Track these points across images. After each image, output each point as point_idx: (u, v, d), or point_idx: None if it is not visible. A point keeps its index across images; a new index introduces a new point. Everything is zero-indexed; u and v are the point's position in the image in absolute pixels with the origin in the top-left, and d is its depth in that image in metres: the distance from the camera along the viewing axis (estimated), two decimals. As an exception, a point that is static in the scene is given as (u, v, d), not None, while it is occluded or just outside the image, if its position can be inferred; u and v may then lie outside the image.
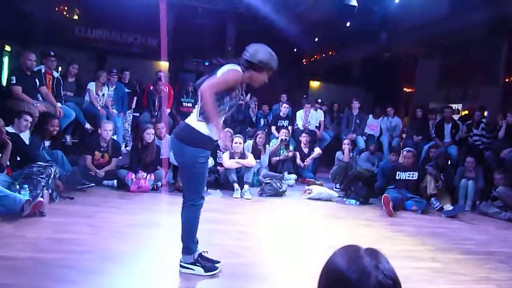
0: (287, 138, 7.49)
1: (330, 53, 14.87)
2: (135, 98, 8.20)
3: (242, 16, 11.39)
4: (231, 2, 10.86)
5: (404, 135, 8.85)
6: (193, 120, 2.79)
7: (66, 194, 4.75)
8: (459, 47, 10.57)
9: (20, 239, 3.25)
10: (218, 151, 6.45)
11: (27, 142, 4.91)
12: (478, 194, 6.53)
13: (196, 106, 2.86)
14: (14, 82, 5.53)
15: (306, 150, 7.64)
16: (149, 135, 5.73)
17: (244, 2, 10.56)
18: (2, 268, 2.55)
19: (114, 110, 7.33)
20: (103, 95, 7.12)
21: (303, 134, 7.78)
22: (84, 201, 4.71)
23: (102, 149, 5.71)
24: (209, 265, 2.91)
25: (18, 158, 4.57)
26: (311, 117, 8.69)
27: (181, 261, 2.90)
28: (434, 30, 10.16)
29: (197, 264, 2.88)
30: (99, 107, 6.89)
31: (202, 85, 2.69)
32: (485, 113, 8.72)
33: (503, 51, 9.74)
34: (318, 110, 9.07)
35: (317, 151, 7.69)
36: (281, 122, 8.37)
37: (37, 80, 5.82)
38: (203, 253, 2.95)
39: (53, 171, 4.40)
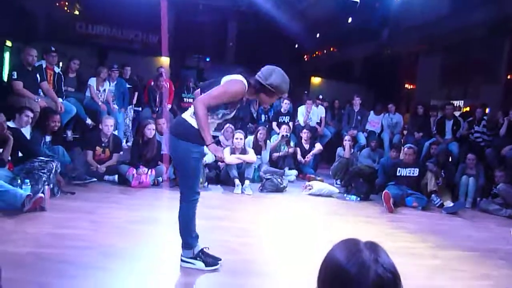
0: (288, 134, 7.49)
1: (331, 49, 14.84)
2: (136, 93, 8.20)
3: (244, 13, 11.37)
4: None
5: (405, 132, 8.84)
6: (188, 116, 2.80)
7: (67, 189, 4.76)
8: (460, 45, 10.54)
9: (21, 235, 3.25)
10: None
11: (28, 137, 4.91)
12: (479, 191, 6.53)
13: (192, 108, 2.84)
14: (15, 77, 5.53)
15: (307, 146, 7.64)
16: (150, 130, 5.73)
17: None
18: (3, 263, 2.53)
19: (115, 106, 7.34)
20: (104, 90, 7.12)
21: (304, 130, 7.78)
22: (85, 196, 4.72)
23: (103, 145, 5.72)
24: (210, 260, 2.91)
25: (20, 154, 4.58)
26: (312, 113, 8.69)
27: (182, 256, 2.91)
28: (435, 29, 10.13)
29: (198, 258, 2.89)
30: (100, 103, 6.89)
31: (196, 100, 2.69)
32: (487, 111, 8.70)
33: (504, 50, 9.71)
34: (319, 106, 9.06)
35: (318, 147, 7.69)
36: (282, 118, 8.36)
37: (38, 76, 5.82)
38: (204, 249, 2.95)
39: (54, 166, 4.41)
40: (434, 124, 8.15)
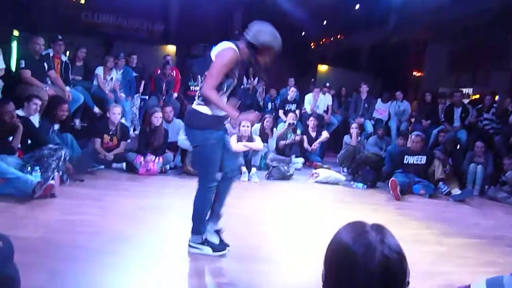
0: (295, 122, 7.48)
1: (338, 37, 14.68)
2: (143, 82, 8.21)
3: (250, 0, 11.26)
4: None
5: (412, 120, 8.78)
6: (196, 105, 2.82)
7: (76, 176, 4.82)
8: (469, 31, 10.36)
9: (32, 220, 3.32)
10: (225, 135, 6.46)
11: (37, 125, 4.96)
12: (487, 179, 6.50)
13: (198, 91, 2.86)
14: (23, 66, 5.57)
15: (313, 134, 7.63)
16: (157, 118, 5.76)
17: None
18: (15, 248, 2.60)
19: (122, 94, 7.37)
20: (111, 79, 7.14)
21: (311, 118, 7.76)
22: (93, 183, 4.78)
23: (111, 133, 5.76)
24: (218, 245, 2.95)
25: (29, 141, 4.63)
26: (319, 101, 8.66)
27: (190, 241, 2.94)
28: (443, 14, 9.95)
29: (205, 244, 2.93)
30: (107, 91, 6.92)
31: (202, 89, 2.69)
32: (496, 98, 8.61)
33: (514, 36, 9.54)
34: (326, 94, 9.02)
35: (325, 135, 7.68)
36: (288, 106, 8.35)
37: (45, 64, 5.85)
38: (220, 231, 2.99)
39: (63, 154, 4.46)
40: (442, 111, 8.08)
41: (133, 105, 7.87)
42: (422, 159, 6.15)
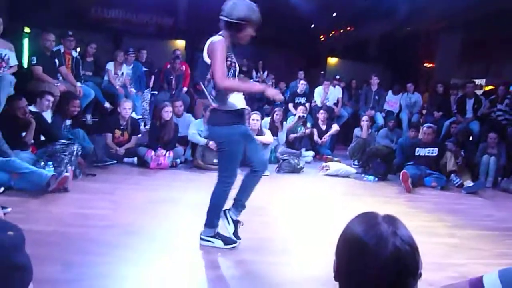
0: (305, 115, 7.45)
1: (348, 29, 14.53)
2: (153, 77, 8.24)
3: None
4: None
5: (424, 111, 8.68)
6: (213, 105, 2.83)
7: (88, 171, 4.88)
8: (482, 20, 10.17)
9: (46, 214, 3.37)
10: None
11: (49, 121, 5.03)
12: (500, 171, 6.41)
13: (208, 97, 2.84)
14: (35, 62, 5.62)
15: (323, 127, 7.60)
16: (167, 113, 5.78)
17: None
18: (29, 241, 2.63)
19: (132, 89, 7.40)
20: (122, 74, 7.19)
21: (321, 111, 7.72)
22: (105, 178, 4.83)
23: (121, 128, 5.80)
24: (229, 239, 2.97)
25: (42, 137, 4.69)
26: (329, 94, 8.61)
27: (201, 234, 2.96)
28: (455, 3, 9.79)
29: (217, 237, 2.95)
30: (117, 86, 6.97)
31: (217, 84, 2.66)
32: (510, 89, 8.45)
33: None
34: (336, 86, 8.96)
35: (335, 127, 7.64)
36: (298, 99, 8.31)
37: (56, 60, 5.90)
38: (239, 223, 3.00)
39: (75, 149, 4.52)
40: (454, 103, 7.97)
41: (143, 100, 7.91)
42: (434, 151, 6.09)
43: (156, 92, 8.14)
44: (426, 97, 9.31)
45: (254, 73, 10.24)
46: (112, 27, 11.86)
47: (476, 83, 9.68)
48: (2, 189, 3.78)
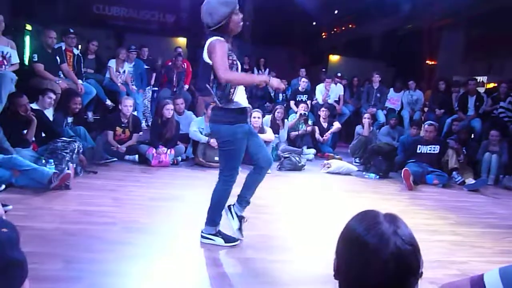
0: (306, 113, 7.44)
1: (349, 26, 14.50)
2: (154, 74, 8.24)
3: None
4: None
5: (425, 109, 8.66)
6: (217, 103, 2.82)
7: (89, 168, 4.88)
8: (484, 17, 10.13)
9: (48, 211, 3.37)
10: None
11: (50, 118, 5.03)
12: (502, 168, 6.40)
13: (213, 96, 2.84)
14: (36, 59, 5.62)
15: (325, 125, 7.59)
16: (168, 110, 5.78)
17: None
18: (32, 238, 2.66)
19: (134, 87, 7.41)
20: (124, 71, 7.19)
21: (322, 109, 7.71)
22: (107, 175, 4.83)
23: (123, 125, 5.80)
24: (230, 237, 2.97)
25: (43, 134, 4.70)
26: (330, 91, 8.59)
27: (202, 232, 2.97)
28: (458, 1, 9.75)
29: (218, 235, 2.95)
30: (119, 84, 6.97)
31: (221, 78, 2.64)
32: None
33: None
34: (338, 84, 8.94)
35: (336, 125, 7.63)
36: (300, 97, 8.30)
37: (58, 58, 5.89)
38: (243, 219, 3.01)
39: (76, 146, 4.51)
40: (456, 100, 7.95)
41: (144, 98, 7.91)
42: (436, 149, 6.08)
43: (156, 89, 8.14)
44: (428, 95, 9.28)
45: (255, 71, 10.23)
46: (113, 25, 11.87)
47: (478, 80, 9.64)
48: (4, 186, 3.79)
